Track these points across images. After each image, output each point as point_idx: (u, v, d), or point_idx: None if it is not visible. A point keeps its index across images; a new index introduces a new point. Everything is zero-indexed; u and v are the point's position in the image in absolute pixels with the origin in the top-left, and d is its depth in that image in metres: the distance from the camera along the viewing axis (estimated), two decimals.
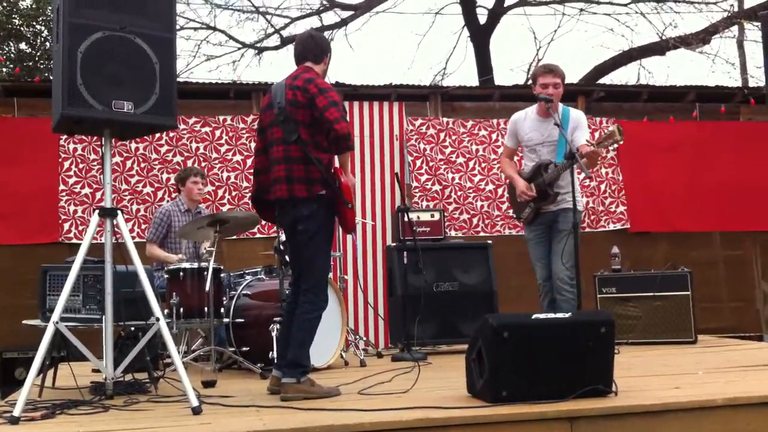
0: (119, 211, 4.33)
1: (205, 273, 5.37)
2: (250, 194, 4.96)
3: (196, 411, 3.84)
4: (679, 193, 8.76)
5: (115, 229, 4.31)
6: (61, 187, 7.73)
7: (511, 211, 8.50)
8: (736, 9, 15.07)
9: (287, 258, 5.67)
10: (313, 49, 4.59)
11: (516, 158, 6.36)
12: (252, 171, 4.74)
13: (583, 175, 5.42)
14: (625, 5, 16.21)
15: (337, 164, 4.47)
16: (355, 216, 4.57)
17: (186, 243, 6.34)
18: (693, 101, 9.26)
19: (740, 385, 4.30)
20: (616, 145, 5.44)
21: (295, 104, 4.36)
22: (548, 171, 5.69)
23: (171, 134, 7.93)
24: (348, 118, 4.45)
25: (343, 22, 16.83)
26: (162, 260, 6.20)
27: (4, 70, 13.25)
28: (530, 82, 5.99)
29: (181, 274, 5.52)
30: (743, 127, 9.21)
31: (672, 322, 6.71)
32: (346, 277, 6.94)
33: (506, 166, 6.11)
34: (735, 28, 15.47)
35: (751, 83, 14.75)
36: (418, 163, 8.46)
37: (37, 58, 14.74)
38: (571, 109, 5.83)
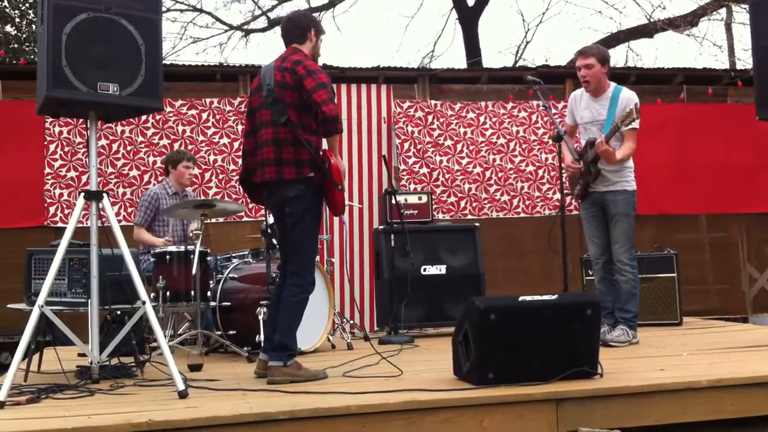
0: (105, 194, 4.31)
1: (192, 256, 5.36)
2: (237, 177, 4.95)
3: (183, 395, 3.84)
4: (666, 176, 8.77)
5: (101, 212, 4.29)
6: (47, 170, 7.67)
7: (498, 194, 8.58)
8: None
9: (274, 241, 5.67)
10: (293, 30, 4.58)
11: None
12: (239, 154, 4.73)
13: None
14: None
15: (325, 146, 4.46)
16: (344, 198, 4.56)
17: (173, 223, 6.31)
18: (680, 83, 9.26)
19: (724, 367, 4.34)
20: (633, 124, 5.43)
21: (283, 86, 4.35)
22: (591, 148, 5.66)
23: (157, 117, 7.88)
24: (336, 100, 4.44)
25: (331, 4, 16.76)
26: (148, 244, 6.17)
27: None
28: None
29: (168, 257, 5.50)
30: (730, 109, 9.22)
31: (657, 304, 6.76)
32: (333, 260, 6.94)
33: (567, 143, 5.99)
34: (723, 11, 15.47)
35: (739, 66, 14.77)
36: (406, 145, 8.44)
37: (23, 40, 14.63)
38: (625, 91, 5.68)
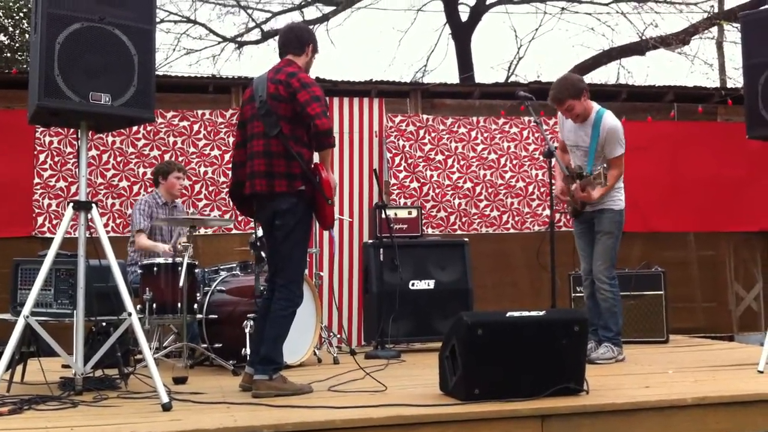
0: (94, 205, 4.29)
1: (179, 268, 5.34)
2: (227, 189, 4.94)
3: (167, 407, 3.82)
4: (655, 194, 8.80)
5: (90, 223, 4.27)
6: (36, 180, 7.65)
7: (488, 209, 8.60)
8: (716, 10, 15.16)
9: (263, 254, 5.66)
10: (292, 41, 4.57)
11: None
12: (230, 166, 4.71)
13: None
14: (606, 5, 16.29)
15: (317, 160, 4.45)
16: (334, 212, 4.55)
17: (166, 231, 6.30)
18: (671, 101, 9.30)
19: (710, 385, 4.35)
20: (600, 187, 5.42)
21: (277, 98, 4.34)
22: (581, 179, 5.59)
23: (148, 128, 7.87)
24: (329, 114, 4.44)
25: (325, 18, 16.79)
26: (151, 250, 6.13)
27: None
28: None
29: (155, 269, 5.48)
30: (720, 127, 9.26)
31: (644, 322, 6.78)
32: (321, 273, 6.93)
33: (558, 161, 5.93)
34: (714, 29, 15.57)
35: (729, 84, 14.85)
36: (397, 159, 8.45)
37: (16, 49, 14.60)
38: (605, 120, 5.53)
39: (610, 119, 5.57)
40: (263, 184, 4.35)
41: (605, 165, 5.42)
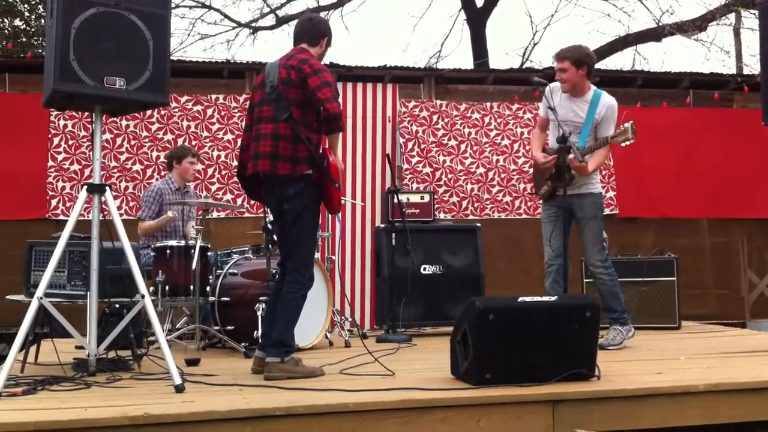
0: (107, 188, 4.30)
1: (192, 251, 5.36)
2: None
3: (179, 389, 3.84)
4: (669, 180, 8.76)
5: (103, 206, 4.29)
6: (50, 163, 7.70)
7: (500, 195, 8.58)
8: None
9: (275, 237, 5.68)
10: (309, 31, 4.58)
11: None
12: None
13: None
14: None
15: (326, 145, 4.46)
16: (341, 197, 4.55)
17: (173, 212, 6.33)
18: (687, 88, 9.24)
19: (722, 372, 4.34)
20: (627, 143, 5.31)
21: (288, 83, 4.35)
22: (570, 154, 5.50)
23: (162, 112, 7.90)
24: (340, 100, 4.44)
25: (339, 3, 16.74)
26: (155, 228, 6.15)
27: None
28: None
29: (168, 251, 5.50)
30: (736, 114, 9.19)
31: (657, 308, 6.76)
32: (333, 257, 6.95)
33: (534, 138, 5.83)
34: (732, 16, 15.43)
35: (746, 71, 14.73)
36: (410, 145, 8.44)
37: (31, 34, 14.66)
38: (604, 96, 5.52)
39: (609, 97, 5.56)
40: (266, 165, 4.34)
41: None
